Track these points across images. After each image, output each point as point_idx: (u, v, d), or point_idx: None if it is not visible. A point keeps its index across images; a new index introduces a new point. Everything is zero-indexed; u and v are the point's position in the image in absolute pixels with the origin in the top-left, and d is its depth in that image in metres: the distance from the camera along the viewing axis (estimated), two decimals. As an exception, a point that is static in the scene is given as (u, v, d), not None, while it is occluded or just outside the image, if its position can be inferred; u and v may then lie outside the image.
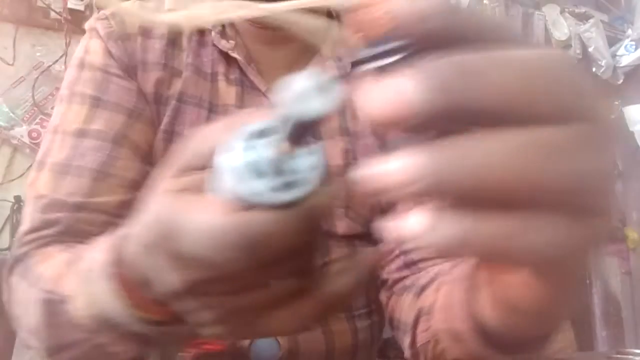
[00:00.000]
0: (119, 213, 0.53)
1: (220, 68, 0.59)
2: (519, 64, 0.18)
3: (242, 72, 0.58)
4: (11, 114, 1.57)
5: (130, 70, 0.58)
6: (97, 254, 0.33)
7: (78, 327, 0.35)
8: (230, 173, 0.24)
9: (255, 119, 0.25)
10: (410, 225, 0.19)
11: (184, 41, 0.59)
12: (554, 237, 0.18)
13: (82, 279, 0.35)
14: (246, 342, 0.50)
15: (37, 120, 1.60)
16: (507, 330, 0.32)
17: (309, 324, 0.29)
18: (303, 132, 0.23)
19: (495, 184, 0.17)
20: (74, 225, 0.52)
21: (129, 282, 0.30)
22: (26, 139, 1.57)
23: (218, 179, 0.24)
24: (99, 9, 1.64)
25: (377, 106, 0.18)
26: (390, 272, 0.54)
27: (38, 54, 1.60)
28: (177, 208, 0.25)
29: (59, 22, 1.60)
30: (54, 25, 1.61)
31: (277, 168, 0.24)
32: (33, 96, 1.59)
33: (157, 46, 0.58)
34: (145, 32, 0.59)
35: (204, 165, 0.26)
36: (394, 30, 0.19)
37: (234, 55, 0.58)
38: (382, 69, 0.20)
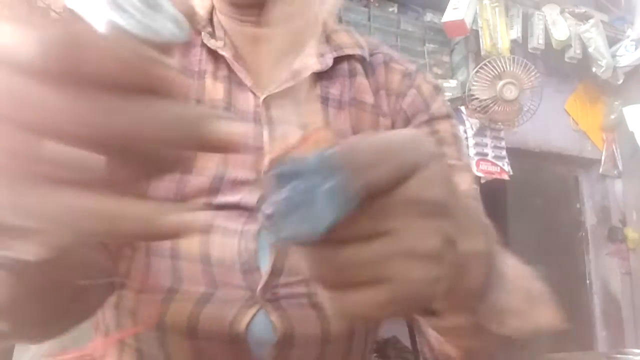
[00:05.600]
0: None
1: (209, 67, 0.60)
2: None
3: (230, 69, 0.60)
4: (11, 114, 1.58)
5: None
6: None
7: None
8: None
9: None
10: None
11: None
12: None
13: None
14: (242, 327, 0.50)
15: (37, 120, 1.61)
16: None
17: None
18: None
19: None
20: None
21: None
22: (26, 139, 1.58)
23: None
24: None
25: None
26: None
27: (38, 54, 1.60)
28: None
29: (59, 22, 1.60)
30: (54, 25, 1.62)
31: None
32: (33, 96, 1.60)
33: None
34: None
35: None
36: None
37: (222, 52, 0.59)
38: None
